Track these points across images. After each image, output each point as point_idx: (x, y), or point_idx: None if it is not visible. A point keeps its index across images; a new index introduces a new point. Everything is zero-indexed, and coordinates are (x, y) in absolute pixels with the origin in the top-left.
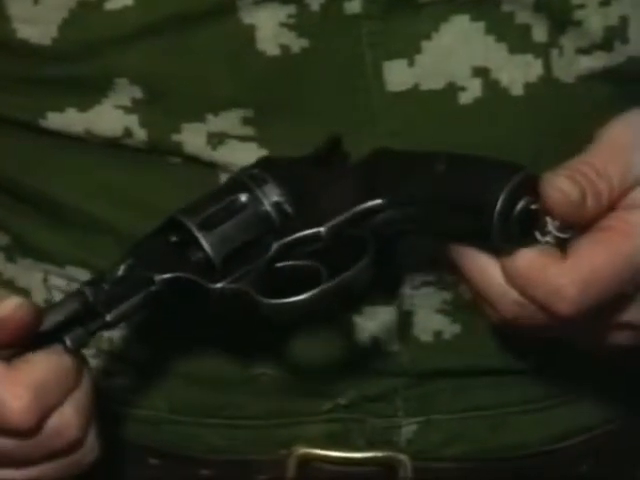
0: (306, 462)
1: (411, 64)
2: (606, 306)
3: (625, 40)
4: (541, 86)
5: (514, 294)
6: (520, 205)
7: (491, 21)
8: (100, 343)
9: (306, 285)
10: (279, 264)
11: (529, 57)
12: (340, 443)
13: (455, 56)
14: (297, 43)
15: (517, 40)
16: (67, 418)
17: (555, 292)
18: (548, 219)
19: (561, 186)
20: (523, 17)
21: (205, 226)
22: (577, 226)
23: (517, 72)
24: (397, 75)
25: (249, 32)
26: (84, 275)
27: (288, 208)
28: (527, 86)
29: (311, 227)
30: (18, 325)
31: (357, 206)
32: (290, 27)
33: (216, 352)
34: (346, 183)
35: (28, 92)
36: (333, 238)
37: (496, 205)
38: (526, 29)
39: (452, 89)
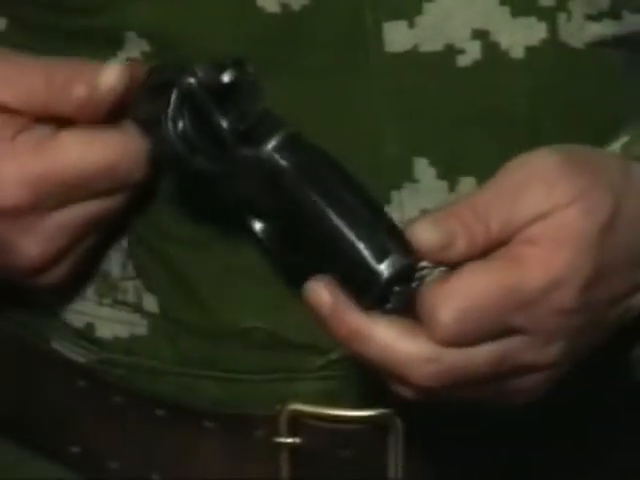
0: (298, 418)
1: (411, 25)
2: (502, 343)
3: (635, 10)
4: (545, 50)
5: (424, 352)
6: (396, 290)
7: None
8: (117, 293)
9: None
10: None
11: (532, 20)
12: (333, 401)
13: (455, 18)
14: (297, 1)
15: (522, 3)
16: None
17: (430, 316)
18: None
19: (420, 234)
20: None
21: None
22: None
23: (518, 35)
24: (396, 36)
25: None
26: None
27: None
28: (528, 50)
29: None
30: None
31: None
32: None
33: (212, 303)
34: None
35: (46, 43)
36: None
37: (372, 289)
38: None
39: (451, 51)
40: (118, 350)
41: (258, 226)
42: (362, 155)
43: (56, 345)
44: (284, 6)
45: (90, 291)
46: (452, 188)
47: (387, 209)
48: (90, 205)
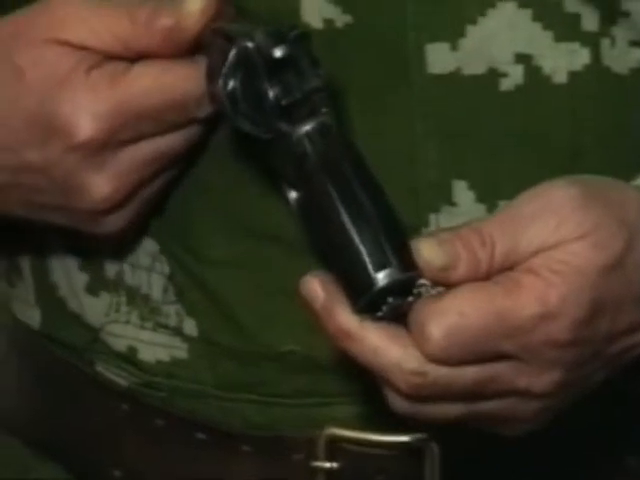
0: (335, 443)
1: (454, 48)
2: (491, 367)
3: None
4: (588, 75)
5: (411, 363)
6: (390, 301)
7: (539, 8)
8: (158, 317)
9: None
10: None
11: (575, 45)
12: (369, 425)
13: (498, 41)
14: (341, 18)
15: (565, 28)
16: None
17: (420, 330)
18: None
19: (424, 252)
20: (572, 5)
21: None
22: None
23: (561, 60)
24: (439, 58)
25: (294, 3)
26: None
27: None
28: (571, 75)
29: None
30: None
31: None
32: (335, 2)
33: (249, 326)
34: None
35: None
36: None
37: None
38: (575, 18)
39: (493, 75)
40: (159, 373)
41: (293, 195)
42: (400, 177)
43: (100, 368)
44: (328, 22)
45: (133, 315)
46: (490, 211)
47: (423, 231)
48: (160, 140)
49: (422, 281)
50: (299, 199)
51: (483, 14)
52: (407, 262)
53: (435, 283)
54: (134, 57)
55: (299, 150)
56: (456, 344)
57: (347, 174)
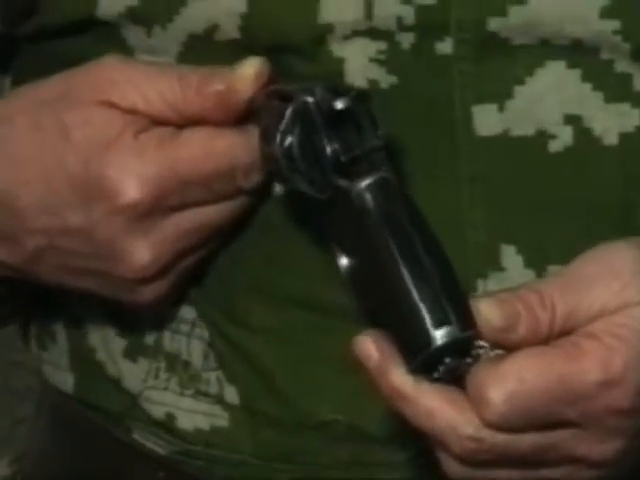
0: None
1: (501, 109)
2: (551, 434)
3: None
4: (638, 136)
5: (467, 428)
6: (447, 362)
7: (588, 69)
8: (199, 384)
9: None
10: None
11: (626, 106)
12: None
13: (547, 102)
14: (386, 79)
15: (615, 89)
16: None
17: (479, 395)
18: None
19: (484, 312)
20: (623, 66)
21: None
22: (508, 349)
23: (612, 121)
24: (486, 119)
25: (338, 65)
26: None
27: None
28: (622, 136)
29: None
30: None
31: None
32: (380, 63)
33: (291, 394)
34: None
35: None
36: None
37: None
38: (626, 78)
39: (542, 136)
40: (198, 442)
41: (344, 262)
42: (447, 241)
43: (136, 435)
44: (372, 82)
45: (172, 381)
46: (539, 277)
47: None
48: (205, 209)
49: (481, 342)
50: (355, 256)
51: (531, 74)
52: (467, 321)
53: (494, 344)
54: (183, 122)
55: (358, 205)
56: (515, 411)
57: (408, 229)
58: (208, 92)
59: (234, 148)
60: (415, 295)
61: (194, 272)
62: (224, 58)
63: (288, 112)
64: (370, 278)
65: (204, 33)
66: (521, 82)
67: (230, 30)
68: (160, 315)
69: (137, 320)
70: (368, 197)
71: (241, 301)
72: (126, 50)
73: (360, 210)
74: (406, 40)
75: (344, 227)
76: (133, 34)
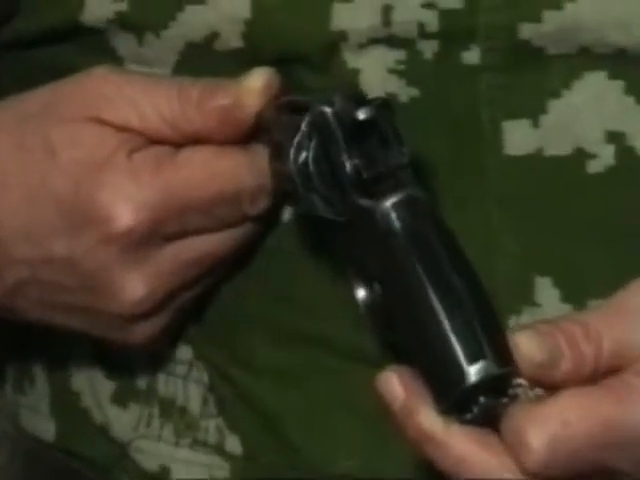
0: None
1: (535, 125)
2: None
3: None
4: None
5: (503, 475)
6: (481, 401)
7: (632, 80)
8: (196, 433)
9: None
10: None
11: None
12: None
13: (586, 118)
14: (406, 92)
15: None
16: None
17: (518, 439)
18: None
19: (523, 345)
20: None
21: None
22: (549, 387)
23: None
24: (518, 137)
25: (354, 77)
26: None
27: None
28: None
29: None
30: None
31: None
32: (399, 74)
33: (301, 443)
34: None
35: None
36: None
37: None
38: None
39: (580, 156)
40: None
41: (361, 294)
42: None
43: None
44: (391, 97)
45: (166, 430)
46: None
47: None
48: (207, 238)
49: (519, 380)
50: (377, 283)
51: (568, 87)
52: (503, 356)
53: (533, 382)
54: (183, 141)
55: (383, 226)
56: (558, 457)
57: (439, 252)
58: (211, 107)
59: (240, 170)
60: (446, 325)
61: (193, 308)
62: (226, 70)
63: (303, 124)
64: (394, 308)
65: (203, 41)
66: (556, 95)
67: (232, 38)
68: (154, 356)
69: (128, 361)
70: (394, 217)
71: (245, 339)
72: (115, 60)
73: (385, 232)
74: (428, 49)
75: (365, 252)
76: (123, 42)
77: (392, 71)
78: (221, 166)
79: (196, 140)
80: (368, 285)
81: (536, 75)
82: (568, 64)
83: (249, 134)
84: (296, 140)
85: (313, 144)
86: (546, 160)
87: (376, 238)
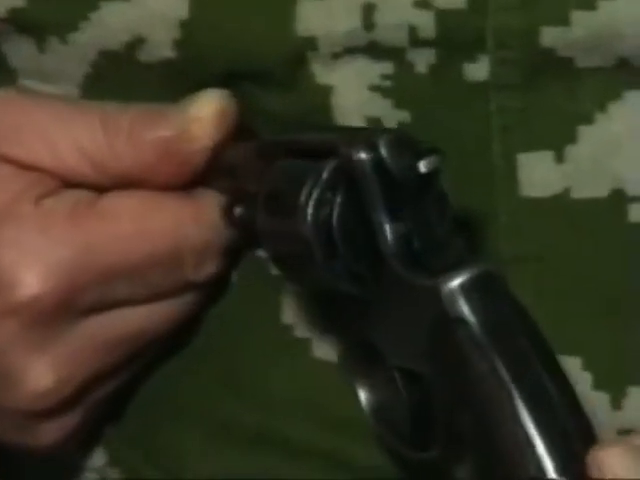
0: None
1: (559, 159)
2: None
3: None
4: None
5: None
6: None
7: None
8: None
9: None
10: None
11: None
12: None
13: (626, 150)
14: (393, 116)
15: None
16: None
17: None
18: None
19: (612, 464)
20: None
21: None
22: None
23: None
24: (538, 174)
25: (324, 96)
26: None
27: None
28: None
29: None
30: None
31: None
32: (384, 93)
33: None
34: None
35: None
36: None
37: None
38: None
39: (620, 199)
40: None
41: (365, 395)
42: None
43: None
44: (373, 121)
45: None
46: (616, 404)
47: None
48: (136, 312)
49: None
50: (415, 382)
51: (603, 109)
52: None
53: None
54: (109, 184)
55: (447, 312)
56: None
57: (524, 346)
58: (147, 140)
59: (181, 223)
60: (536, 441)
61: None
62: (151, 89)
63: (325, 173)
64: (452, 413)
65: (123, 49)
66: (588, 121)
67: (162, 45)
68: (61, 462)
69: (28, 469)
70: (461, 300)
71: (172, 438)
72: (5, 73)
73: (445, 318)
74: (422, 60)
75: (401, 340)
76: (18, 49)
77: (375, 89)
78: (157, 218)
79: (125, 183)
80: (400, 381)
81: (562, 95)
82: (602, 80)
83: (195, 177)
84: (315, 192)
85: (339, 200)
86: (575, 204)
87: (431, 325)
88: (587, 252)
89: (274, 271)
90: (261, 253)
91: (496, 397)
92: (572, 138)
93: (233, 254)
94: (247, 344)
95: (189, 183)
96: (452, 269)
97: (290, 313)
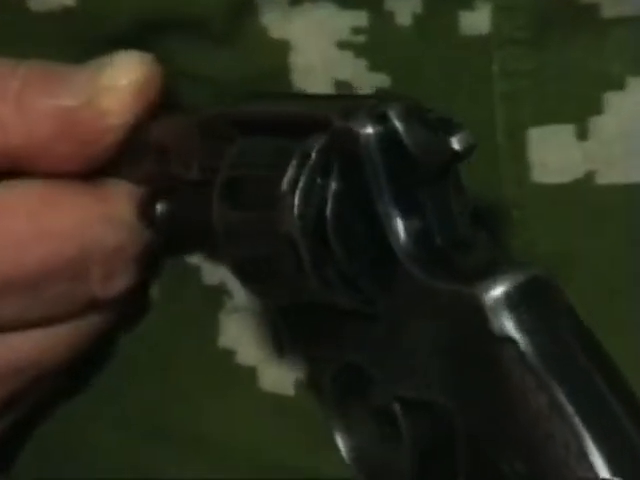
0: None
1: (582, 135)
2: None
3: None
4: None
5: None
6: None
7: None
8: None
9: None
10: None
11: None
12: None
13: None
14: (367, 80)
15: None
16: None
17: None
18: None
19: None
20: None
21: None
22: None
23: None
24: (554, 154)
25: (278, 55)
26: None
27: None
28: None
29: None
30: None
31: None
32: (357, 50)
33: None
34: None
35: None
36: None
37: None
38: None
39: None
40: None
41: (346, 440)
42: None
43: None
44: (344, 86)
45: None
46: None
47: None
48: (29, 338)
49: None
50: (438, 409)
51: (636, 71)
52: None
53: None
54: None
55: (497, 331)
56: None
57: (586, 368)
58: (40, 109)
59: (87, 223)
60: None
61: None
62: (50, 48)
63: (314, 152)
64: (482, 459)
65: None
66: (618, 86)
67: None
68: None
69: None
70: (502, 314)
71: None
72: None
73: (494, 338)
74: (405, 8)
75: (418, 360)
76: None
77: (345, 45)
78: (56, 216)
79: (13, 166)
80: (402, 416)
81: (584, 53)
82: (636, 35)
83: (105, 163)
84: (303, 178)
85: (334, 187)
86: (600, 191)
87: (462, 345)
88: (615, 250)
89: (209, 281)
90: (192, 259)
91: (560, 438)
92: (597, 108)
93: (152, 262)
94: (174, 375)
95: (98, 171)
96: (490, 274)
97: (230, 335)
